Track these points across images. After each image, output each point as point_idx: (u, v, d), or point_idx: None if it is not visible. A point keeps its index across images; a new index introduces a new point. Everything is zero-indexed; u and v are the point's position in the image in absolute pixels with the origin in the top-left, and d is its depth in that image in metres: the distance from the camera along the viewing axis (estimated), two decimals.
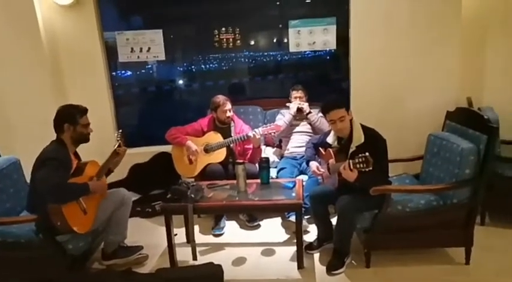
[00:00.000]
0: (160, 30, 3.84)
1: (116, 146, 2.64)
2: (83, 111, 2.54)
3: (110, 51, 3.89)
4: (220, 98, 3.28)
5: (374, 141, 2.44)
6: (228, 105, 3.28)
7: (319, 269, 2.59)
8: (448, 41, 3.51)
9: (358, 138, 2.47)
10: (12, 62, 3.48)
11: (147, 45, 3.87)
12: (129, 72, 4.21)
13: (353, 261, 2.61)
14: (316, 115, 3.43)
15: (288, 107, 3.53)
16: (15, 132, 3.57)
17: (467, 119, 2.68)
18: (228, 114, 3.28)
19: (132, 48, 3.87)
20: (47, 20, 3.53)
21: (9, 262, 2.42)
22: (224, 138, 3.25)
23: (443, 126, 2.95)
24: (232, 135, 3.29)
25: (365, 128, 2.51)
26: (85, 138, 2.56)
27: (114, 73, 4.02)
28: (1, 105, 3.55)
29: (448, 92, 3.54)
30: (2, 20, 3.38)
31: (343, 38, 3.77)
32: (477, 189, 2.42)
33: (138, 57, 3.90)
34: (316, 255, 2.74)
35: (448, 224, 2.48)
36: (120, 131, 2.75)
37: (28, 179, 2.56)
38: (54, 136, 2.51)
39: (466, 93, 3.49)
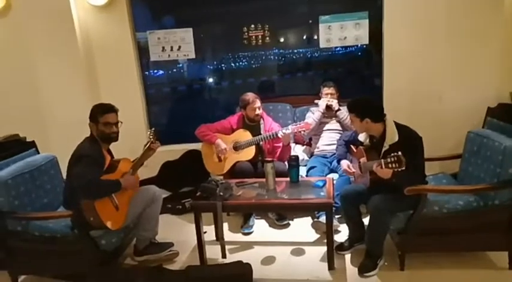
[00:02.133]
0: (191, 29, 3.89)
1: (148, 144, 2.68)
2: (106, 109, 2.51)
3: (142, 51, 3.98)
4: (250, 96, 3.26)
5: (408, 140, 2.34)
6: (258, 103, 3.25)
7: (351, 270, 2.53)
8: (488, 33, 3.33)
9: (392, 136, 2.38)
10: (48, 62, 3.62)
11: (177, 44, 3.92)
12: (160, 72, 4.28)
13: (386, 264, 2.52)
14: (345, 112, 3.34)
15: (316, 104, 3.47)
16: (52, 130, 3.71)
17: (510, 115, 2.52)
18: (258, 112, 3.26)
19: (163, 47, 3.93)
20: (81, 21, 3.64)
21: (45, 256, 2.50)
22: (253, 136, 3.23)
23: (484, 123, 2.80)
24: (262, 133, 3.27)
25: (399, 126, 2.41)
26: (108, 137, 2.52)
27: (146, 73, 4.10)
28: (38, 104, 3.71)
29: (489, 87, 3.36)
30: (39, 21, 3.53)
31: (375, 33, 3.66)
32: None
33: (169, 56, 3.96)
34: (348, 256, 2.67)
35: (489, 226, 2.34)
36: (153, 129, 2.78)
37: (64, 175, 2.64)
38: (88, 133, 2.57)
39: (510, 88, 3.29)
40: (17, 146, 2.84)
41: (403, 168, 2.12)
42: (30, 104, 3.71)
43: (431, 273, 2.43)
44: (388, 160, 2.17)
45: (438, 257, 2.53)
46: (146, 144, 2.70)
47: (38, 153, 2.94)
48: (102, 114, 2.51)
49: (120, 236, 2.55)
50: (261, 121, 3.34)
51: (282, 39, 4.07)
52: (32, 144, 2.96)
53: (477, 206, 2.38)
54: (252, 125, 3.33)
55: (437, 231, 2.38)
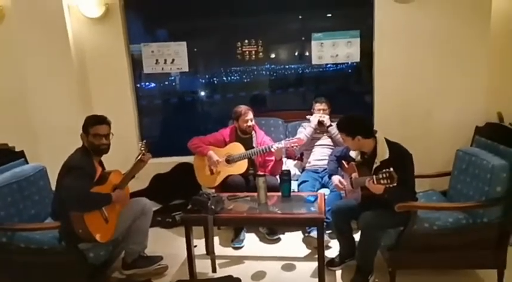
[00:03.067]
0: (184, 43, 3.91)
1: (139, 156, 2.66)
2: (97, 121, 2.51)
3: (135, 64, 3.98)
4: (242, 108, 3.30)
5: (399, 156, 2.38)
6: (250, 115, 3.28)
7: None
8: (477, 53, 3.43)
9: (382, 153, 2.41)
10: (40, 72, 3.59)
11: (171, 57, 3.94)
12: (153, 84, 4.28)
13: (377, 280, 2.52)
14: (336, 128, 3.38)
15: (308, 119, 3.50)
16: (42, 141, 3.66)
17: (498, 134, 2.58)
18: (250, 123, 3.28)
19: (156, 60, 3.94)
20: (76, 32, 3.64)
21: (31, 268, 2.43)
22: (246, 148, 3.24)
23: (472, 142, 2.85)
24: (254, 145, 3.28)
25: (390, 143, 2.44)
26: (97, 149, 2.50)
27: (138, 85, 4.09)
28: (29, 113, 3.67)
29: (477, 106, 3.44)
30: (32, 32, 3.51)
31: (366, 51, 3.73)
32: (509, 208, 2.31)
33: (163, 68, 3.97)
34: (338, 272, 2.66)
35: (478, 244, 2.36)
36: (144, 141, 2.76)
37: (54, 186, 2.59)
38: (79, 144, 2.54)
39: (497, 107, 3.38)
40: (5, 155, 2.79)
41: (395, 184, 2.15)
42: (21, 113, 3.67)
43: None
44: (380, 176, 2.19)
45: (428, 274, 2.54)
46: (137, 156, 2.68)
47: (27, 163, 2.89)
48: (93, 126, 2.49)
49: (108, 249, 2.50)
50: (253, 134, 3.36)
51: (274, 55, 4.12)
52: (21, 154, 2.90)
53: (466, 224, 2.40)
54: (245, 138, 3.34)
55: (427, 248, 2.39)
